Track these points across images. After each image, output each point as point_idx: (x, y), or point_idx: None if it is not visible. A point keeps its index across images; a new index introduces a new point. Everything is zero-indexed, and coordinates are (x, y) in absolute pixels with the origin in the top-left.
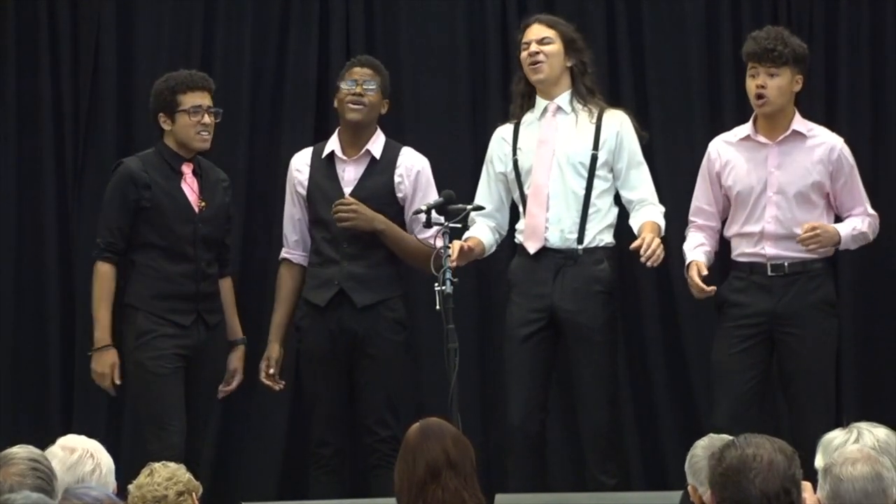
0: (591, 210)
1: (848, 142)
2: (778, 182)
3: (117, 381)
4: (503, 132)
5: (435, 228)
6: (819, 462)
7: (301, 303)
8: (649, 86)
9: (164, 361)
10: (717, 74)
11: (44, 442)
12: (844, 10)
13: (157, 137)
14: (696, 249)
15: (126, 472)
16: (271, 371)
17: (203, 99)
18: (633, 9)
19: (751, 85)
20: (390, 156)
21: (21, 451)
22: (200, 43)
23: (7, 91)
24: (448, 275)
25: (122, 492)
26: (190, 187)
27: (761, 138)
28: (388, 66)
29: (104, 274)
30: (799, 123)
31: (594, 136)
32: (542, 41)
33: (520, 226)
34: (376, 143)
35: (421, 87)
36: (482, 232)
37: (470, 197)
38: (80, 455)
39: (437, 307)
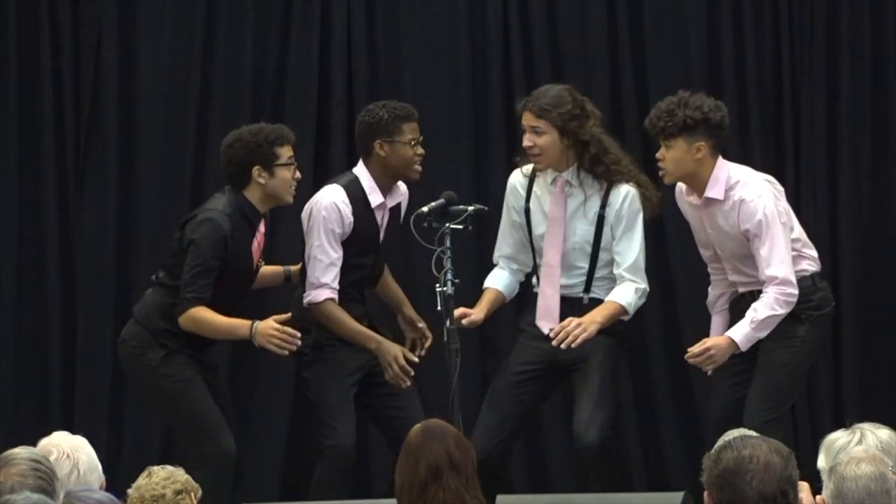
0: (599, 264)
1: (849, 142)
2: (716, 242)
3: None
4: (518, 180)
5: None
6: (822, 463)
7: (323, 330)
8: (650, 86)
9: (192, 369)
10: (719, 75)
11: None
12: (845, 9)
13: (235, 189)
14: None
15: (130, 478)
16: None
17: (292, 150)
18: (633, 9)
19: None
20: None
21: (22, 451)
22: (202, 44)
23: (7, 91)
24: (449, 276)
25: (112, 488)
26: (259, 244)
27: (693, 199)
28: (389, 67)
29: (205, 313)
30: (714, 188)
31: (597, 219)
32: (534, 130)
33: (537, 268)
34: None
35: (422, 87)
36: (500, 280)
37: (469, 198)
38: (56, 457)
39: (439, 308)
